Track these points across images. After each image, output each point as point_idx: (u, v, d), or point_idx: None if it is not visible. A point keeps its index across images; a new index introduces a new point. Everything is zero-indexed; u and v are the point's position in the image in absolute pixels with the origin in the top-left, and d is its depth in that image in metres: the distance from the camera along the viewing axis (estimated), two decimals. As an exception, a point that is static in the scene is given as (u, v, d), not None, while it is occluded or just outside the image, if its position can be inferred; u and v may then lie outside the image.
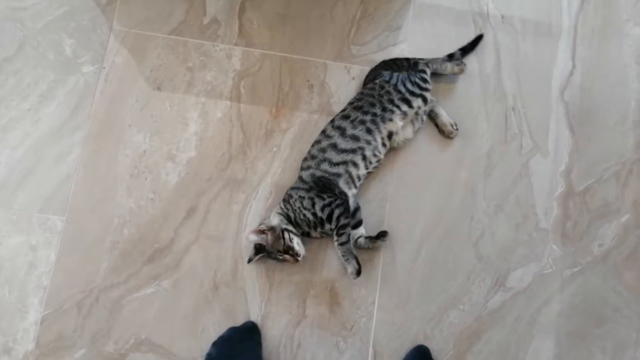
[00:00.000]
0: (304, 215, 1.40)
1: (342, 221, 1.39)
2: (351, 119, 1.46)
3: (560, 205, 1.56)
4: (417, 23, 1.67)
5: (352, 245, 1.42)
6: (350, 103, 1.51)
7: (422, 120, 1.54)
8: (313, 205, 1.39)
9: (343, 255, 1.42)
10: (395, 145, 1.51)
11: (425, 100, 1.51)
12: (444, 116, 1.56)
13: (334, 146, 1.44)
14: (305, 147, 1.52)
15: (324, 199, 1.39)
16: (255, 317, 1.44)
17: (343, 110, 1.50)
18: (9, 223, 1.46)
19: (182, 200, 1.50)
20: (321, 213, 1.39)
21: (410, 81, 1.50)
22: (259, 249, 1.42)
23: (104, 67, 1.58)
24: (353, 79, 1.61)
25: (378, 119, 1.45)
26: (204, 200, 1.51)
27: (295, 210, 1.41)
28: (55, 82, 1.57)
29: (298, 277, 1.47)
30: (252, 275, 1.47)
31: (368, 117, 1.45)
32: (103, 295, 1.44)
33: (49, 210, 1.48)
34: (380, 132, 1.45)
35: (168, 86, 1.58)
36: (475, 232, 1.53)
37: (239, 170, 1.53)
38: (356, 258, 1.40)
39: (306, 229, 1.43)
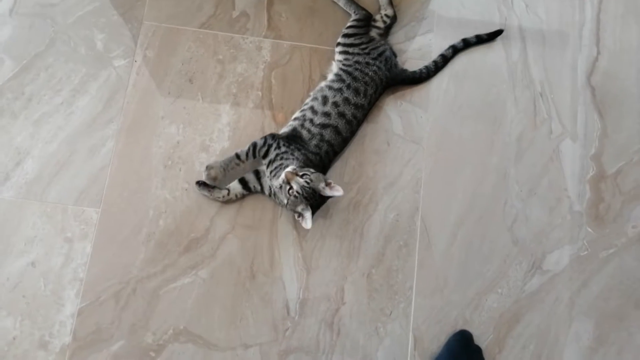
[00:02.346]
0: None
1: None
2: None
3: (592, 188, 1.57)
4: (443, 13, 1.69)
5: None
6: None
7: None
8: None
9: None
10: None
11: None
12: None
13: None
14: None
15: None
16: (293, 305, 1.44)
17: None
18: (44, 216, 1.46)
19: (216, 190, 1.50)
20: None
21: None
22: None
23: (135, 61, 1.59)
24: (382, 68, 1.63)
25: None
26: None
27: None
28: (87, 76, 1.57)
29: (335, 264, 1.47)
30: (289, 262, 1.46)
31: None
32: (140, 286, 1.43)
33: (84, 202, 1.47)
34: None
35: (199, 78, 1.59)
36: (510, 217, 1.53)
37: (273, 160, 1.53)
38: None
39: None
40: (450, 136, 1.59)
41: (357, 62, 1.51)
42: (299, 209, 1.35)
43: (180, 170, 1.51)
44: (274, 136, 1.45)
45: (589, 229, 1.53)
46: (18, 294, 1.40)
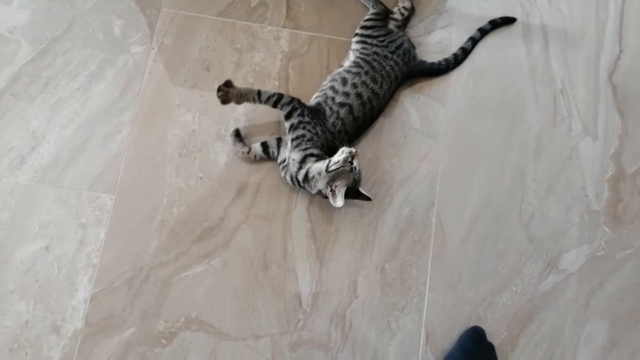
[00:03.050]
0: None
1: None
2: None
3: (611, 187, 1.54)
4: (464, 6, 1.67)
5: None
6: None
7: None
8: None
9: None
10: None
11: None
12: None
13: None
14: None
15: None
16: (305, 297, 1.43)
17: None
18: (59, 201, 1.46)
19: (231, 179, 1.50)
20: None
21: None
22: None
23: (152, 48, 1.58)
24: (401, 61, 1.61)
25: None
26: (253, 179, 1.50)
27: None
28: (104, 62, 1.57)
29: (348, 257, 1.46)
30: (302, 254, 1.46)
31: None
32: (153, 274, 1.42)
33: (99, 188, 1.47)
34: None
35: (216, 67, 1.58)
36: (526, 214, 1.51)
37: (288, 151, 1.52)
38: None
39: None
40: (468, 131, 1.57)
41: (375, 52, 1.50)
42: (336, 184, 1.32)
43: (195, 158, 1.51)
44: (300, 103, 1.44)
45: (607, 229, 1.51)
46: (31, 278, 1.41)
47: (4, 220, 1.44)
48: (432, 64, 1.58)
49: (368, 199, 1.39)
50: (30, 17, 1.59)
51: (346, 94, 1.44)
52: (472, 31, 1.63)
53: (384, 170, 1.52)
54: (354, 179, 1.33)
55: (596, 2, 1.70)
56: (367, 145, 1.54)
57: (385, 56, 1.50)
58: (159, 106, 1.54)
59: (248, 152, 1.48)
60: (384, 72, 1.48)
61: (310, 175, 1.36)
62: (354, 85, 1.45)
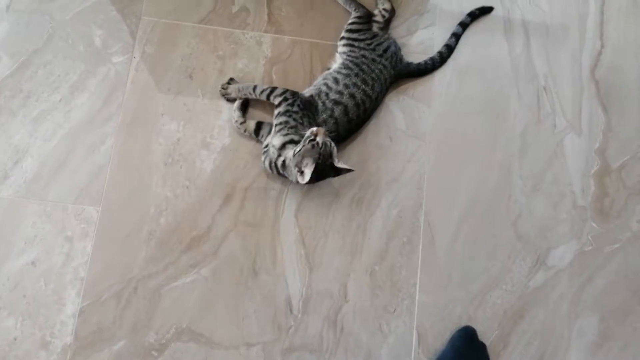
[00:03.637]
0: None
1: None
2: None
3: (596, 182, 1.55)
4: (445, 6, 1.67)
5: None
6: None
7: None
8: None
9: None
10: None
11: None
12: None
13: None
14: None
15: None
16: (296, 303, 1.43)
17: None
18: (44, 215, 1.44)
19: (218, 187, 1.49)
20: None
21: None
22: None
23: (134, 57, 1.57)
24: (384, 63, 1.61)
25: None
26: (240, 187, 1.49)
27: None
28: (86, 72, 1.55)
29: (338, 261, 1.46)
30: (291, 260, 1.45)
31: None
32: (142, 285, 1.41)
33: (84, 200, 1.46)
34: None
35: (199, 74, 1.57)
36: (514, 212, 1.52)
37: (274, 156, 1.52)
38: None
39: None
40: (453, 131, 1.57)
41: (363, 55, 1.50)
42: (304, 164, 1.32)
43: (181, 167, 1.50)
44: (294, 94, 1.44)
45: (594, 224, 1.52)
46: (19, 293, 1.39)
47: (-12, 237, 1.42)
48: (419, 64, 1.58)
49: (349, 170, 1.36)
50: (10, 30, 1.58)
51: (340, 93, 1.44)
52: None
53: (370, 173, 1.52)
54: (319, 153, 1.31)
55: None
56: (353, 148, 1.54)
57: (374, 59, 1.50)
58: (142, 116, 1.53)
59: (242, 123, 1.50)
60: (374, 75, 1.48)
61: (287, 162, 1.37)
62: (346, 86, 1.45)
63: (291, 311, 1.42)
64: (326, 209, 1.49)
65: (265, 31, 1.62)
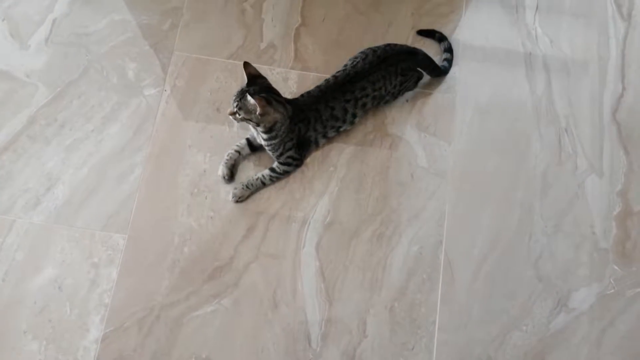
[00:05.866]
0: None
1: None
2: None
3: (618, 225, 1.55)
4: (467, 53, 1.71)
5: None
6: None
7: None
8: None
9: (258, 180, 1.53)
10: None
11: None
12: None
13: None
14: (361, 168, 1.55)
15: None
16: (315, 336, 1.43)
17: None
18: (72, 241, 1.48)
19: (241, 219, 1.52)
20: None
21: None
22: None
23: (165, 90, 1.63)
24: (407, 100, 1.65)
25: None
26: (262, 218, 1.52)
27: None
28: (119, 104, 1.61)
29: (357, 296, 1.47)
30: (311, 293, 1.46)
31: None
32: (164, 314, 1.44)
33: (112, 228, 1.50)
34: None
35: (227, 108, 1.61)
36: (534, 252, 1.52)
37: (297, 190, 1.55)
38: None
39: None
40: (474, 169, 1.59)
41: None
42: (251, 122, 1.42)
43: (206, 198, 1.53)
44: (299, 162, 1.56)
45: (616, 267, 1.51)
46: (44, 317, 1.42)
47: (18, 260, 1.46)
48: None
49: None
50: (48, 61, 1.65)
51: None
52: (473, 81, 1.66)
53: (391, 209, 1.54)
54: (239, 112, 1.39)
55: (598, 40, 1.74)
56: (375, 184, 1.56)
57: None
58: (170, 147, 1.58)
59: (226, 178, 1.54)
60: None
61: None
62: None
63: (310, 344, 1.43)
64: (347, 243, 1.51)
65: (292, 67, 1.67)
